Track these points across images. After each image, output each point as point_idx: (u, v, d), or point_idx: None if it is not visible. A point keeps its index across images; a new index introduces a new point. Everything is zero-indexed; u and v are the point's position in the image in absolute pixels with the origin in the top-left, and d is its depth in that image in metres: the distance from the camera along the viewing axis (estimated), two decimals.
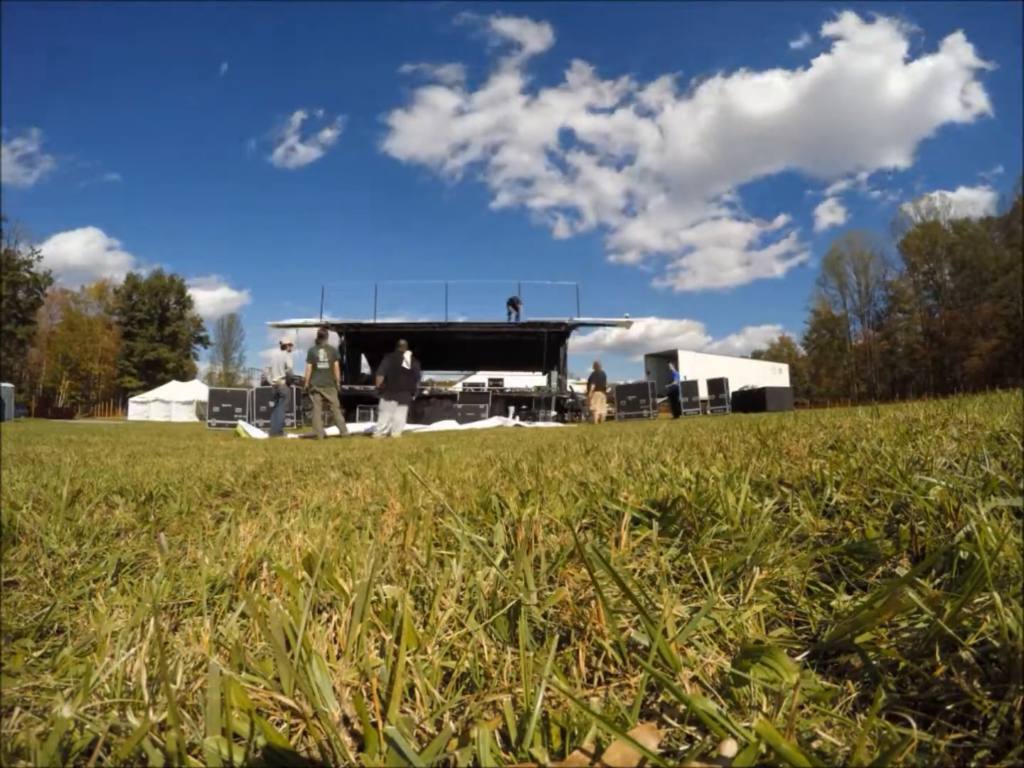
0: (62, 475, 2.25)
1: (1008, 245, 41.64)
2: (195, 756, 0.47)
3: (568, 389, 18.15)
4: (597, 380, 14.33)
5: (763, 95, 75.12)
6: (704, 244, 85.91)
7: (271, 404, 10.93)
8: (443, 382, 22.93)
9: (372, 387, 11.17)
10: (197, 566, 1.04)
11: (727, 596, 0.77)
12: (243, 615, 0.76)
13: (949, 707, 0.49)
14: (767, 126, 73.80)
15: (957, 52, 62.00)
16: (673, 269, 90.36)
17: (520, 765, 0.47)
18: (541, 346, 17.88)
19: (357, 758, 0.48)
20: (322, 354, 8.93)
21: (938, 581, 0.72)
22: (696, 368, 24.63)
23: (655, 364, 30.16)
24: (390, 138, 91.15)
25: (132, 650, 0.65)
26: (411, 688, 0.58)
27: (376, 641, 0.68)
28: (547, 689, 0.54)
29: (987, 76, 61.29)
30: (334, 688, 0.57)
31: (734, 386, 17.72)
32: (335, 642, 0.67)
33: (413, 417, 9.40)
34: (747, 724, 0.47)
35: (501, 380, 20.14)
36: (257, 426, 11.12)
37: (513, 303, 18.78)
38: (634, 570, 0.88)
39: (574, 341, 18.46)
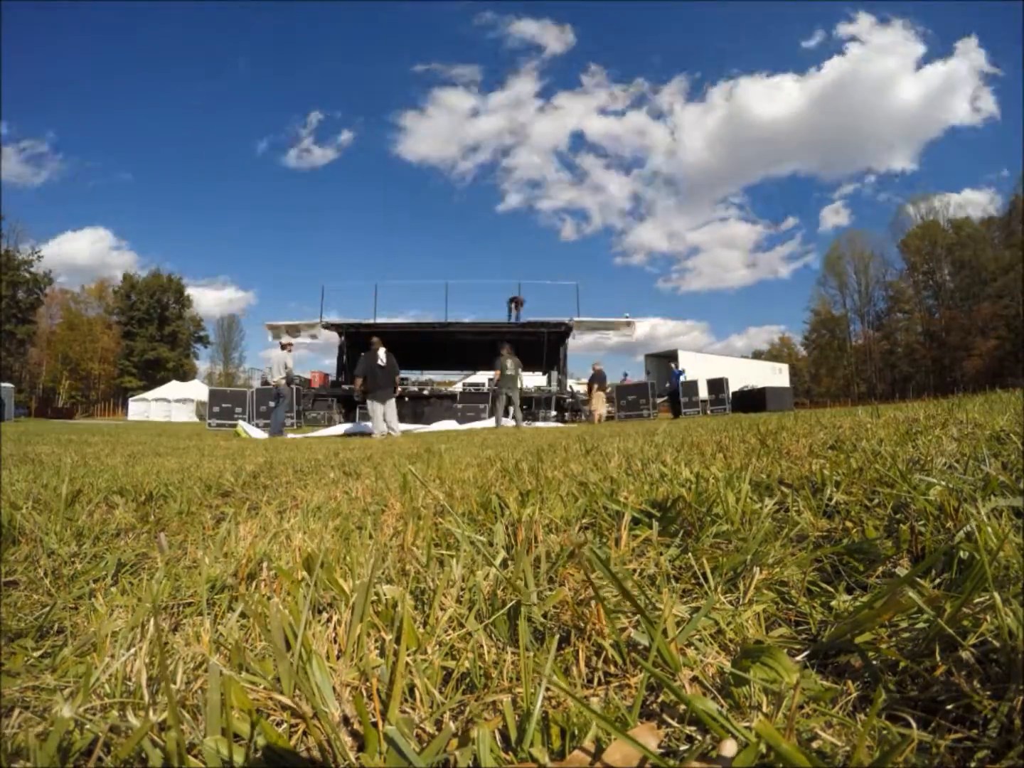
0: (62, 475, 2.25)
1: (1008, 245, 41.65)
2: (195, 756, 0.47)
3: (568, 389, 18.15)
4: (598, 380, 14.35)
5: (774, 97, 75.19)
6: (710, 245, 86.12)
7: (271, 404, 10.91)
8: (443, 382, 22.92)
9: (349, 387, 11.12)
10: (197, 566, 1.04)
11: (727, 596, 0.77)
12: (243, 615, 0.76)
13: (949, 707, 0.49)
14: (777, 128, 73.83)
15: (970, 56, 61.90)
16: (679, 270, 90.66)
17: (520, 765, 0.47)
18: (541, 346, 17.87)
19: (357, 758, 0.48)
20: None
21: (938, 581, 0.72)
22: (696, 368, 24.61)
23: (655, 364, 30.17)
24: (402, 139, 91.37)
25: (132, 650, 0.65)
26: (411, 688, 0.58)
27: (376, 641, 0.68)
28: (547, 689, 0.54)
29: (998, 80, 61.15)
30: (334, 688, 0.57)
31: (734, 386, 17.72)
32: (335, 642, 0.67)
33: (413, 417, 9.41)
34: (747, 724, 0.47)
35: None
36: (257, 426, 11.12)
37: (515, 302, 18.77)
38: (634, 570, 0.88)
39: (576, 341, 18.44)
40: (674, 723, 0.52)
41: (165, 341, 57.46)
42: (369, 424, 9.54)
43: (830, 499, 1.11)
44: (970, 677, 0.51)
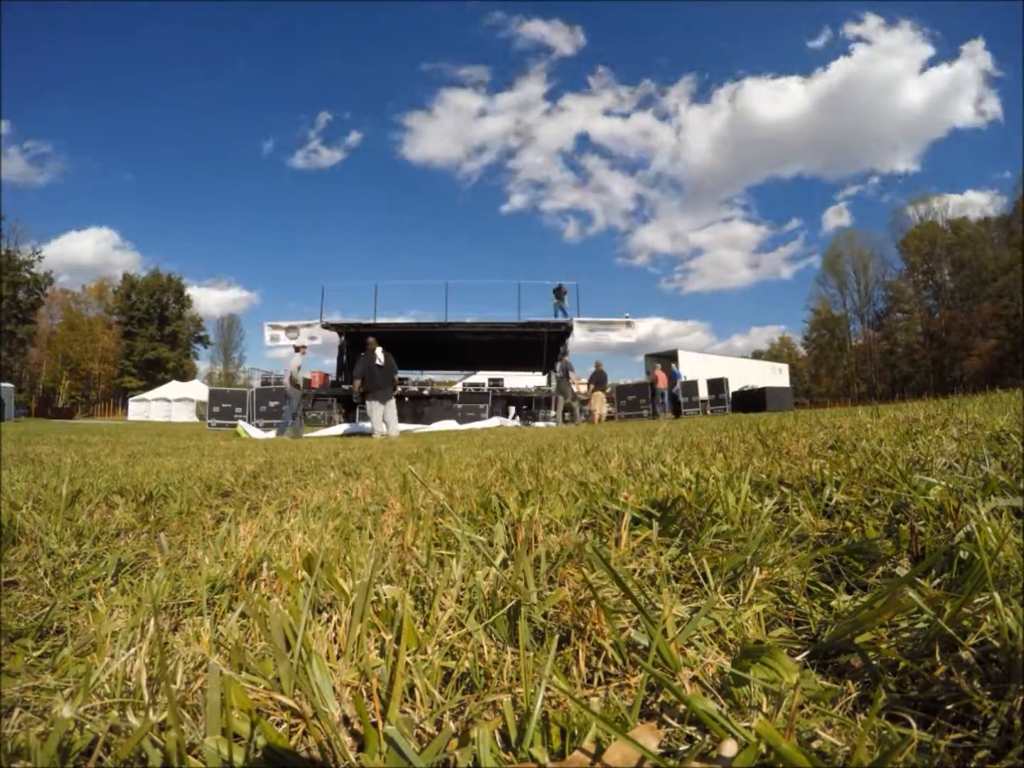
0: (62, 475, 2.25)
1: (1009, 245, 41.64)
2: (195, 756, 0.47)
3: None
4: (597, 380, 14.30)
5: (779, 98, 75.08)
6: (713, 246, 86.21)
7: (284, 406, 10.84)
8: (443, 382, 22.92)
9: (349, 387, 11.24)
10: (197, 566, 1.04)
11: (727, 596, 0.77)
12: (243, 615, 0.76)
13: (949, 707, 0.49)
14: (781, 130, 73.71)
15: (976, 59, 61.74)
16: (682, 271, 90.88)
17: (520, 765, 0.47)
18: (541, 346, 17.88)
19: (357, 758, 0.48)
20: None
21: (938, 581, 0.72)
22: (696, 368, 24.63)
23: (655, 364, 30.15)
24: (408, 140, 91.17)
25: (132, 650, 0.65)
26: (411, 688, 0.58)
27: (376, 641, 0.68)
28: (547, 689, 0.54)
29: (1002, 82, 60.98)
30: (334, 688, 0.57)
31: (734, 386, 17.72)
32: (335, 642, 0.67)
33: (413, 417, 9.44)
34: (747, 724, 0.47)
35: (501, 380, 20.13)
36: (257, 426, 11.12)
37: (558, 292, 18.54)
38: (634, 570, 0.88)
39: (578, 341, 18.39)
40: (674, 723, 0.51)
41: (165, 341, 57.48)
42: (368, 424, 9.53)
43: (830, 499, 1.11)
44: (970, 677, 0.51)
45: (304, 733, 0.52)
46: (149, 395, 36.52)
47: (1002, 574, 0.66)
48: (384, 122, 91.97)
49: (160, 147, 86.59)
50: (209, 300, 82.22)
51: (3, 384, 20.06)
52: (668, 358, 27.60)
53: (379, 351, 8.99)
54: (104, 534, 1.35)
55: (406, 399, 15.14)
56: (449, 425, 11.85)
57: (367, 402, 9.07)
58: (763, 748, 0.41)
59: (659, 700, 0.55)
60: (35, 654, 0.71)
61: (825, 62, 75.22)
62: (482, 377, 22.56)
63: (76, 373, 53.13)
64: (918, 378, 46.35)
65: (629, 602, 0.74)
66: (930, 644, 0.56)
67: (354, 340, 19.64)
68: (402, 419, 9.44)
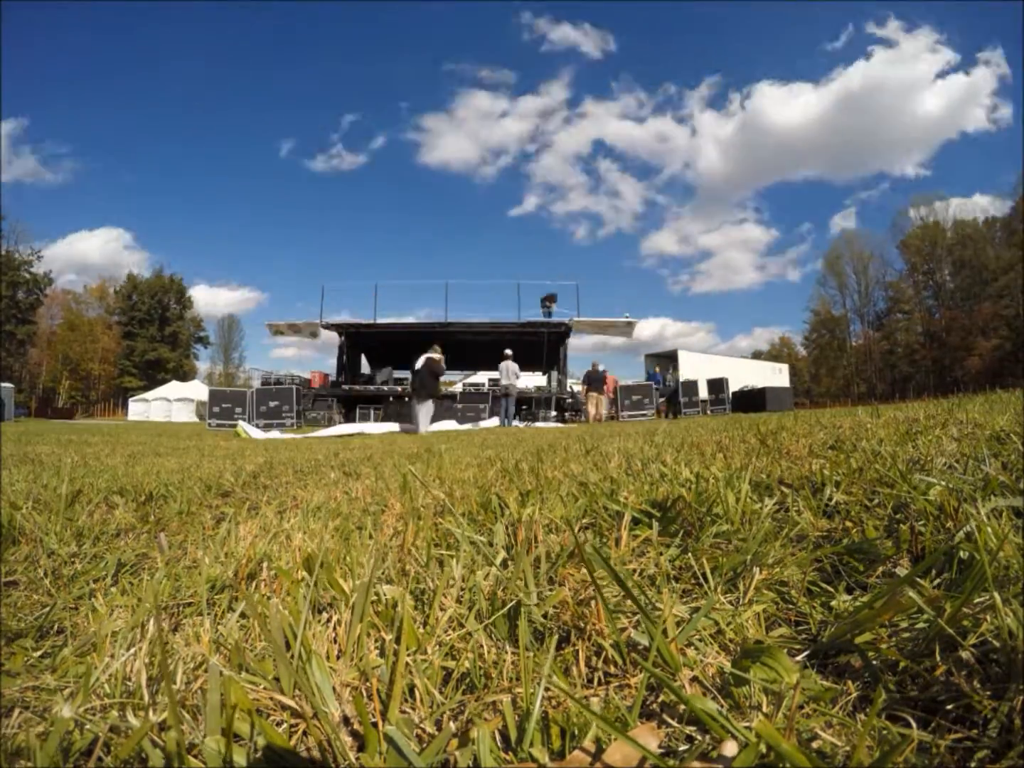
0: (62, 475, 2.25)
1: (1008, 245, 41.63)
2: (195, 756, 0.47)
3: (568, 389, 18.15)
4: (590, 380, 14.25)
5: (794, 103, 74.69)
6: (723, 248, 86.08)
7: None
8: (443, 382, 22.92)
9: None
10: (197, 566, 1.04)
11: (727, 596, 0.77)
12: (243, 615, 0.76)
13: (949, 707, 0.49)
14: (796, 135, 73.47)
15: (992, 66, 61.49)
16: (690, 272, 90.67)
17: (520, 765, 0.47)
18: (541, 346, 17.88)
19: (357, 758, 0.48)
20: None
21: (938, 581, 0.72)
22: (696, 368, 24.63)
23: (655, 364, 30.17)
24: (429, 142, 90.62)
25: (132, 650, 0.65)
26: (411, 688, 0.58)
27: (376, 641, 0.68)
28: (547, 689, 0.54)
29: (1015, 89, 60.65)
30: (334, 688, 0.57)
31: (734, 386, 17.72)
32: (335, 642, 0.67)
33: (411, 418, 9.66)
34: (747, 724, 0.47)
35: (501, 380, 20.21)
36: (257, 426, 11.11)
37: (547, 300, 18.66)
38: (634, 570, 0.88)
39: (581, 341, 18.43)
40: (674, 723, 0.51)
41: (166, 342, 57.50)
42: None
43: (830, 499, 1.11)
44: (970, 677, 0.51)
45: (304, 733, 0.52)
46: (149, 395, 36.50)
47: (1002, 574, 0.66)
48: (403, 124, 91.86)
49: (170, 148, 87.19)
50: (219, 300, 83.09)
51: (3, 384, 20.06)
52: (668, 358, 27.63)
53: (424, 357, 9.60)
54: (104, 534, 1.35)
55: (406, 399, 15.15)
56: (449, 425, 11.85)
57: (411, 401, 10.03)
58: (763, 748, 0.41)
59: (659, 700, 0.55)
60: (35, 654, 0.71)
61: (841, 66, 74.71)
62: (482, 377, 22.57)
63: (76, 373, 53.13)
64: (918, 378, 46.34)
65: (629, 602, 0.74)
66: (930, 644, 0.56)
67: (354, 340, 19.67)
68: (402, 419, 9.65)
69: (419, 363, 9.52)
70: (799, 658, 0.61)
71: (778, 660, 0.54)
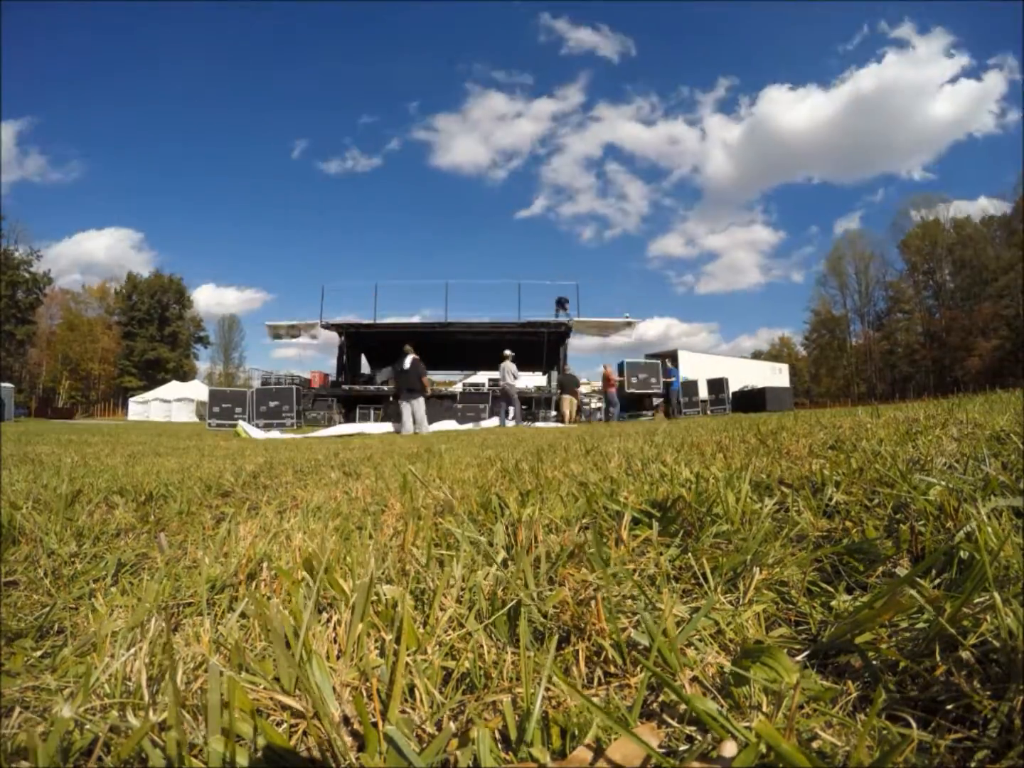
0: (62, 475, 2.25)
1: (1008, 245, 41.61)
2: (195, 756, 0.47)
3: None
4: (563, 384, 14.43)
5: (803, 106, 74.45)
6: (729, 250, 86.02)
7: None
8: (443, 382, 22.96)
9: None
10: (197, 566, 1.04)
11: (727, 596, 0.77)
12: (243, 615, 0.76)
13: (949, 707, 0.49)
14: (805, 138, 73.24)
15: (1005, 71, 61.38)
16: (695, 273, 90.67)
17: (520, 765, 0.47)
18: (541, 346, 17.88)
19: (357, 758, 0.48)
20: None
21: (938, 581, 0.72)
22: (697, 368, 24.58)
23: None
24: (441, 143, 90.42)
25: (132, 650, 0.65)
26: (411, 688, 0.58)
27: (376, 641, 0.68)
28: (547, 689, 0.54)
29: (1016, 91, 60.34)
30: (334, 688, 0.57)
31: (734, 386, 17.71)
32: (335, 642, 0.67)
33: (400, 418, 9.72)
34: (747, 724, 0.47)
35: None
36: (257, 426, 11.12)
37: (561, 303, 18.75)
38: (634, 570, 0.88)
39: (582, 341, 18.41)
40: (674, 723, 0.52)
41: (165, 341, 57.52)
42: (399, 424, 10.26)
43: (830, 499, 1.11)
44: (970, 677, 0.51)
45: (304, 733, 0.52)
46: (149, 395, 36.50)
47: (1002, 574, 0.66)
48: (417, 126, 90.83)
49: (182, 148, 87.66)
50: (226, 300, 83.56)
51: (3, 384, 20.06)
52: (668, 358, 27.55)
53: (408, 357, 9.63)
54: (104, 534, 1.35)
55: (391, 399, 15.19)
56: (449, 425, 11.86)
57: (399, 402, 9.88)
58: (763, 748, 0.41)
59: (659, 700, 0.55)
60: (35, 654, 0.71)
61: (852, 68, 74.26)
62: (482, 377, 22.58)
63: (76, 373, 53.15)
64: (918, 378, 46.34)
65: (629, 602, 0.75)
66: (930, 644, 0.56)
67: (354, 340, 19.67)
68: (401, 418, 9.67)
69: (407, 363, 9.58)
70: (799, 658, 0.61)
71: (778, 660, 0.54)
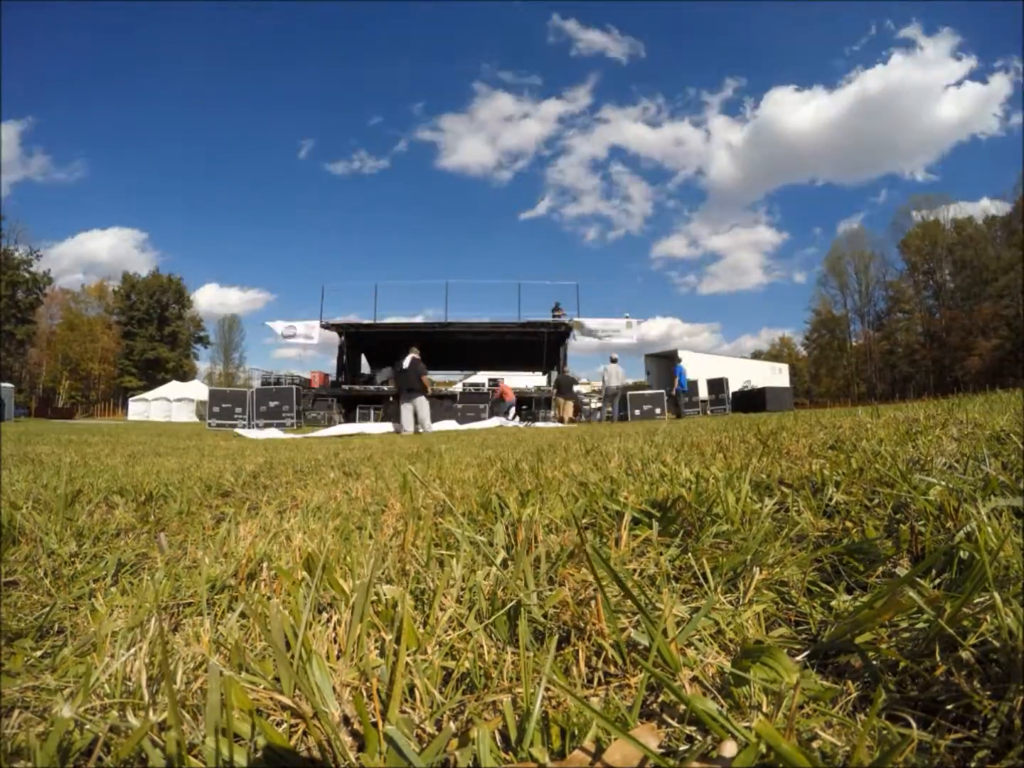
0: (62, 475, 2.25)
1: (1008, 245, 41.61)
2: (195, 756, 0.47)
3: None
4: (559, 386, 14.63)
5: (810, 107, 74.25)
6: (732, 251, 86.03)
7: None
8: (443, 382, 22.97)
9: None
10: (197, 566, 1.04)
11: (727, 596, 0.77)
12: (243, 615, 0.76)
13: (949, 707, 0.49)
14: (810, 139, 73.08)
15: (1011, 73, 61.14)
16: (698, 274, 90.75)
17: (520, 765, 0.47)
18: (541, 346, 17.90)
19: (357, 758, 0.48)
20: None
21: (938, 581, 0.72)
22: (696, 368, 24.62)
23: (655, 364, 30.16)
24: (447, 145, 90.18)
25: (132, 650, 0.65)
26: (411, 688, 0.58)
27: (376, 641, 0.68)
28: (547, 689, 0.54)
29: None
30: (334, 688, 0.57)
31: (734, 386, 17.71)
32: (335, 642, 0.67)
33: (401, 417, 9.74)
34: (747, 724, 0.47)
35: (501, 380, 20.22)
36: (257, 427, 11.12)
37: (556, 309, 18.89)
38: (634, 570, 0.88)
39: (584, 341, 18.40)
40: (674, 723, 0.51)
41: (165, 341, 57.51)
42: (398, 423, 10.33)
43: (830, 499, 1.11)
44: (970, 677, 0.51)
45: (304, 733, 0.52)
46: (149, 395, 36.49)
47: (1002, 574, 0.66)
48: (424, 127, 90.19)
49: (187, 149, 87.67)
50: (229, 300, 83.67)
51: (3, 384, 20.05)
52: (668, 358, 27.57)
53: (409, 357, 9.69)
54: (104, 534, 1.35)
55: (391, 399, 15.22)
56: (449, 425, 11.86)
57: (399, 402, 10.01)
58: (763, 748, 0.41)
59: (659, 700, 0.55)
60: (35, 654, 0.71)
61: (859, 69, 73.90)
62: (482, 377, 22.59)
63: (76, 373, 53.14)
64: (918, 378, 46.33)
65: (629, 602, 0.74)
66: (930, 644, 0.56)
67: (354, 340, 19.68)
68: (400, 418, 9.70)
69: (406, 363, 9.62)
70: (799, 658, 0.61)
71: (778, 660, 0.54)
